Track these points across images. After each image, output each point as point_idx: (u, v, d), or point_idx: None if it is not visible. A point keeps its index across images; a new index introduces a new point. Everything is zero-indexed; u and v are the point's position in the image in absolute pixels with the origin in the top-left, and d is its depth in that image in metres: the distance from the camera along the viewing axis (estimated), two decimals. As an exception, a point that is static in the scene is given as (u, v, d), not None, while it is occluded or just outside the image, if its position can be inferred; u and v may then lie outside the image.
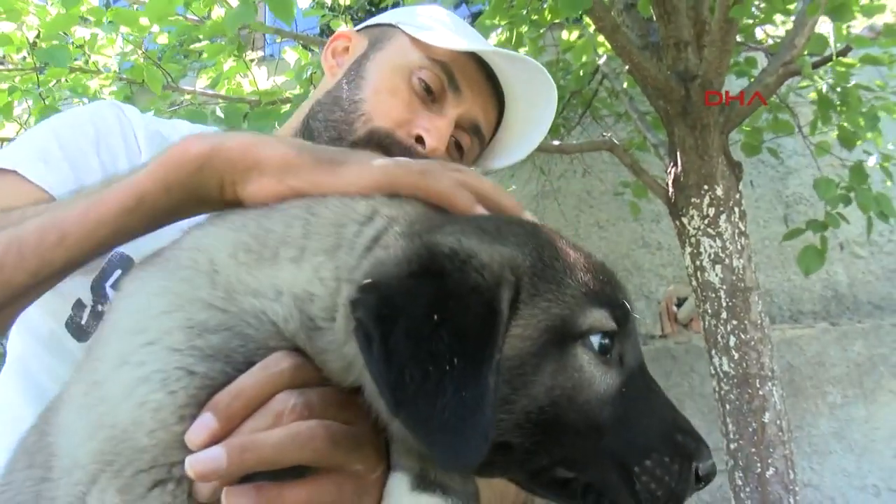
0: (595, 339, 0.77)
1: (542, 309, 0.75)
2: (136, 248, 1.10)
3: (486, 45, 1.51)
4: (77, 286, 1.19)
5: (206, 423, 0.71)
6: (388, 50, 1.43)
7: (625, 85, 4.11)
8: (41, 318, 1.22)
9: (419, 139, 1.37)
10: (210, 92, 3.33)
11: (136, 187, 0.90)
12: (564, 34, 4.00)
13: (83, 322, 1.22)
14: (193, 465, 0.69)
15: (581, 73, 4.26)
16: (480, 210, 0.85)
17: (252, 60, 3.51)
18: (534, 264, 0.77)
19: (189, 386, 0.73)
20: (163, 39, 3.15)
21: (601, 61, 4.15)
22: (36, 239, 0.92)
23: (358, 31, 1.54)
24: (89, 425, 0.75)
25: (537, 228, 0.84)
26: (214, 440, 0.71)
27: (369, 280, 0.73)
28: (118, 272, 1.21)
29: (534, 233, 0.82)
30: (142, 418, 0.72)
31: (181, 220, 0.94)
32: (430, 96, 1.39)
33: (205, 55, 3.22)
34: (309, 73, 2.91)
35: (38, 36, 3.31)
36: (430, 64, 1.39)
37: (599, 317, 0.77)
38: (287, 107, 3.16)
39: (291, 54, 3.91)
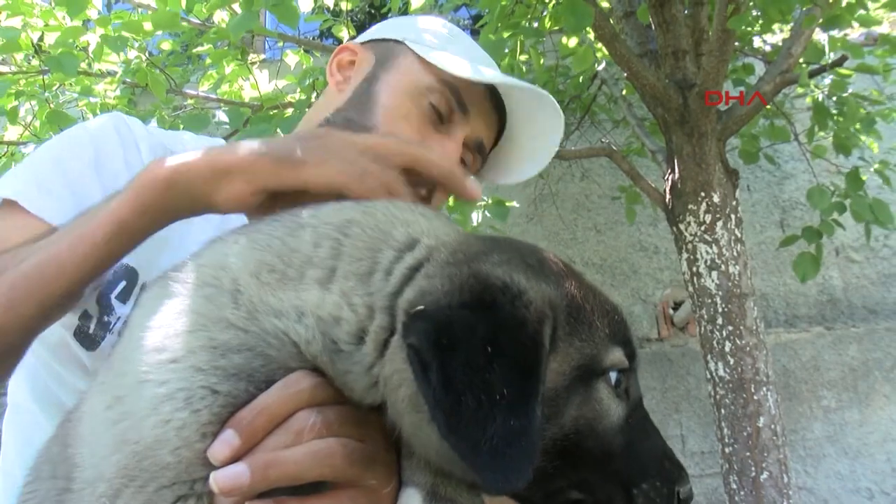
0: (612, 375, 0.84)
1: (577, 348, 0.81)
2: (137, 258, 1.18)
3: (493, 68, 1.51)
4: (84, 298, 1.22)
5: (228, 439, 0.74)
6: (397, 71, 1.43)
7: (623, 91, 4.14)
8: (51, 328, 1.25)
9: None
10: (213, 96, 3.35)
11: (115, 215, 0.98)
12: (564, 40, 4.03)
13: (91, 332, 1.26)
14: (218, 480, 0.72)
15: (580, 80, 4.29)
16: (474, 186, 0.95)
17: (253, 64, 3.53)
18: (570, 304, 0.82)
19: (213, 404, 0.76)
20: (166, 46, 3.18)
21: (600, 67, 4.18)
22: (38, 274, 0.99)
23: (363, 44, 1.52)
24: (113, 440, 0.78)
25: (570, 267, 0.89)
26: (236, 456, 0.74)
27: (421, 308, 0.76)
28: (122, 283, 1.26)
29: (568, 272, 0.87)
30: (166, 436, 0.75)
31: (160, 231, 1.03)
32: (439, 118, 1.40)
33: (208, 60, 3.24)
34: (311, 80, 2.92)
35: (41, 38, 3.33)
36: (439, 86, 1.39)
37: (618, 356, 0.84)
38: (290, 111, 3.19)
39: (292, 57, 3.94)
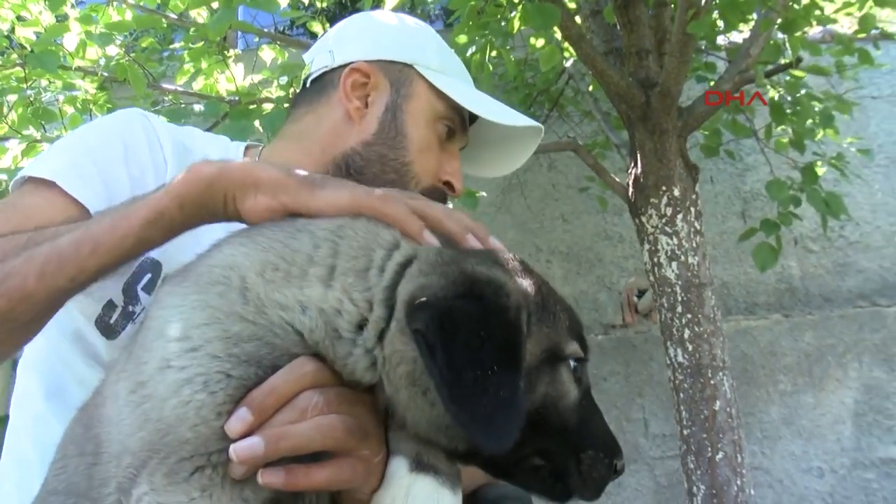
0: (572, 363, 1.00)
1: (545, 334, 0.97)
2: (163, 254, 1.27)
3: (496, 104, 1.60)
4: (109, 288, 1.32)
5: (243, 416, 0.87)
6: (416, 100, 1.52)
7: (590, 87, 4.28)
8: (68, 316, 1.33)
9: (448, 183, 1.54)
10: (191, 91, 3.42)
11: (157, 204, 1.08)
12: (532, 39, 4.15)
13: (112, 321, 1.35)
14: (237, 451, 0.86)
15: (548, 75, 4.42)
16: (429, 236, 1.01)
17: (229, 57, 3.60)
18: (537, 298, 0.98)
19: (227, 387, 0.89)
20: (145, 43, 3.24)
21: (568, 63, 4.31)
22: (73, 250, 1.08)
23: (370, 62, 1.54)
24: (137, 419, 0.90)
25: (531, 269, 1.05)
26: (250, 431, 0.87)
27: (424, 299, 0.90)
28: (148, 275, 1.34)
29: (531, 272, 1.03)
30: (186, 415, 0.87)
31: (192, 229, 1.12)
32: (447, 136, 1.54)
33: (185, 56, 3.31)
34: (290, 78, 3.01)
35: (12, 30, 3.37)
36: (449, 113, 1.53)
37: (577, 347, 1.01)
38: (269, 107, 3.28)
39: (268, 52, 4.02)
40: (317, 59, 1.61)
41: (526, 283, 0.97)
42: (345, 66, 1.54)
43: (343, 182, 1.10)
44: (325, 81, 1.58)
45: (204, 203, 1.08)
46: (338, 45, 1.60)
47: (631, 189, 3.81)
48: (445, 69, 1.57)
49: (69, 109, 3.34)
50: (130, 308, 1.35)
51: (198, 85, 3.53)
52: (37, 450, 1.36)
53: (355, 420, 0.94)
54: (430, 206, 1.08)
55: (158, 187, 1.13)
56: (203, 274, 0.99)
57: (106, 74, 3.23)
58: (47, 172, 1.31)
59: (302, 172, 1.09)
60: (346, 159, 1.50)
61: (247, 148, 1.62)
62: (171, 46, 3.40)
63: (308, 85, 1.61)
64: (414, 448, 0.98)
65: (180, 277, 1.01)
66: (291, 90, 3.14)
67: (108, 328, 1.36)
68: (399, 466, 0.97)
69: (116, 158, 1.38)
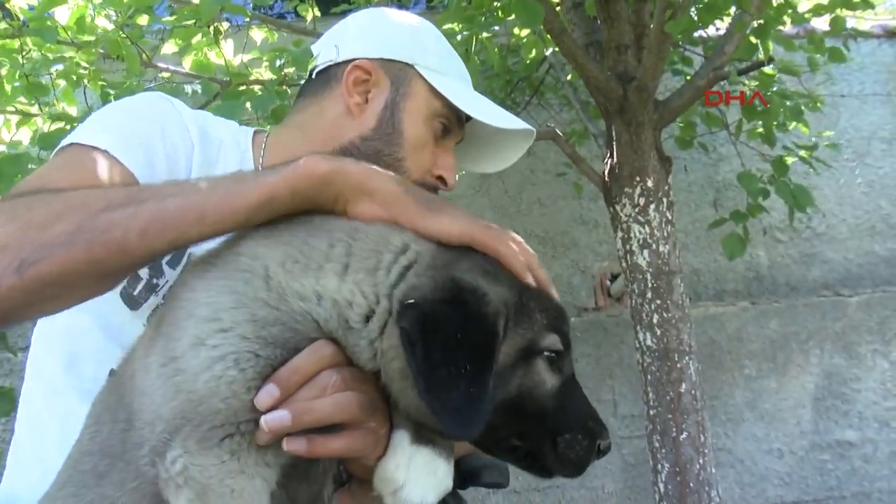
0: (549, 355, 1.11)
1: (520, 335, 1.09)
2: None
3: (491, 106, 1.69)
4: None
5: (271, 391, 1.00)
6: (414, 98, 1.60)
7: (569, 77, 4.38)
8: None
9: (440, 178, 1.64)
10: (182, 70, 3.49)
11: (271, 188, 1.11)
12: (516, 29, 4.25)
13: (135, 293, 1.43)
14: (268, 421, 0.99)
15: (529, 63, 4.52)
16: (530, 277, 1.12)
17: (220, 34, 3.63)
18: (517, 302, 1.09)
19: (256, 365, 1.02)
20: (143, 21, 3.28)
21: (548, 52, 4.41)
22: (178, 216, 1.10)
23: (372, 60, 1.62)
24: (170, 390, 1.02)
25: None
26: (276, 405, 1.00)
27: (412, 301, 1.02)
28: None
29: (516, 279, 1.14)
30: (218, 388, 1.00)
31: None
32: (444, 132, 1.63)
33: (177, 38, 3.37)
34: (282, 62, 3.07)
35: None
36: (447, 112, 1.61)
37: (553, 340, 1.12)
38: (256, 88, 3.35)
39: (258, 33, 4.08)
40: (323, 53, 1.70)
41: (508, 291, 1.09)
42: (349, 61, 1.63)
43: (456, 209, 1.15)
44: (329, 75, 1.66)
45: (314, 197, 1.13)
46: (343, 40, 1.68)
47: (606, 178, 3.94)
48: (445, 69, 1.65)
49: (61, 83, 3.36)
50: (154, 281, 1.43)
51: (187, 63, 3.57)
52: (53, 418, 1.44)
53: (366, 396, 1.07)
54: (528, 250, 1.17)
55: (266, 171, 1.19)
56: (230, 261, 1.11)
57: (102, 51, 3.27)
58: (96, 141, 1.36)
59: (418, 191, 1.17)
60: (344, 152, 1.58)
61: (255, 133, 1.70)
62: (165, 20, 3.43)
63: (314, 76, 1.71)
64: (414, 424, 1.12)
65: (207, 264, 1.13)
66: (283, 73, 3.20)
67: (131, 299, 1.44)
68: (402, 438, 1.12)
69: (155, 135, 1.44)
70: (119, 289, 1.40)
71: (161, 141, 1.45)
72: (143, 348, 1.11)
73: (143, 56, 3.33)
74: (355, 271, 1.08)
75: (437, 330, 1.00)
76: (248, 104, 2.86)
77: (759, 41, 3.64)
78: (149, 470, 1.03)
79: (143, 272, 1.42)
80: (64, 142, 1.40)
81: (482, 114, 1.63)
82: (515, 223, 5.29)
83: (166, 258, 1.40)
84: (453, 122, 1.65)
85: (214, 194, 1.12)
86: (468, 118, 1.67)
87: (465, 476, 1.62)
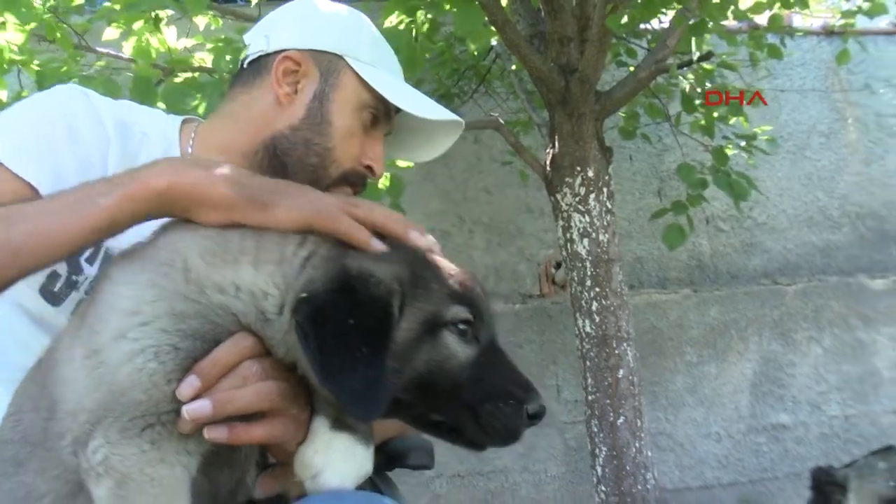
0: (459, 326, 1.12)
1: (419, 308, 1.10)
2: None
3: (420, 97, 1.72)
4: None
5: (192, 382, 1.04)
6: (343, 89, 1.62)
7: (514, 67, 4.42)
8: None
9: (369, 167, 1.66)
10: (123, 56, 3.44)
11: (109, 212, 1.16)
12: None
13: (56, 290, 1.44)
14: (189, 411, 1.03)
15: (475, 52, 4.55)
16: (376, 243, 1.14)
17: (162, 20, 3.59)
18: (411, 277, 1.11)
19: (176, 358, 1.05)
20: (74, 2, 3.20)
21: (495, 42, 4.44)
22: (28, 243, 1.16)
23: (302, 51, 1.63)
24: (92, 381, 1.05)
25: (414, 249, 1.18)
26: (198, 395, 1.04)
27: (304, 294, 1.05)
28: (90, 248, 1.41)
29: (409, 251, 1.17)
30: (139, 380, 1.03)
31: None
32: (372, 123, 1.65)
33: (118, 21, 3.31)
34: (230, 55, 3.05)
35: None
36: (376, 103, 1.63)
37: (458, 310, 1.13)
38: (199, 75, 3.33)
39: (201, 18, 4.03)
40: (254, 43, 1.71)
41: (402, 268, 1.11)
42: (279, 52, 1.64)
43: (295, 195, 1.19)
44: (260, 65, 1.67)
45: (153, 213, 1.19)
46: (274, 30, 1.70)
47: (548, 168, 4.00)
48: (375, 61, 1.67)
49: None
50: (74, 277, 1.44)
51: (128, 48, 3.52)
52: None
53: (286, 384, 1.11)
54: (373, 211, 1.20)
55: (118, 177, 1.22)
56: (151, 255, 1.14)
57: (37, 35, 3.21)
58: None
59: (254, 187, 1.18)
60: (274, 141, 1.61)
61: (183, 122, 1.70)
62: (106, 6, 3.36)
63: (246, 66, 1.71)
64: (333, 410, 1.15)
65: (129, 257, 1.16)
66: (226, 59, 3.17)
67: (52, 296, 1.45)
68: (321, 424, 1.15)
69: (61, 139, 1.44)
70: (38, 286, 1.43)
71: (68, 142, 1.45)
72: (68, 339, 1.13)
73: (80, 40, 3.27)
74: (265, 263, 1.11)
75: (328, 319, 1.03)
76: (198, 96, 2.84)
77: (694, 37, 3.71)
78: (70, 459, 1.06)
79: (62, 269, 1.43)
80: None
81: (410, 105, 1.65)
82: (462, 210, 5.32)
83: (84, 255, 1.43)
84: (382, 113, 1.67)
85: (60, 219, 1.18)
86: (398, 109, 1.69)
87: (391, 458, 1.65)
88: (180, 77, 3.34)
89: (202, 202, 1.16)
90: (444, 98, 4.64)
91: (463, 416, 1.13)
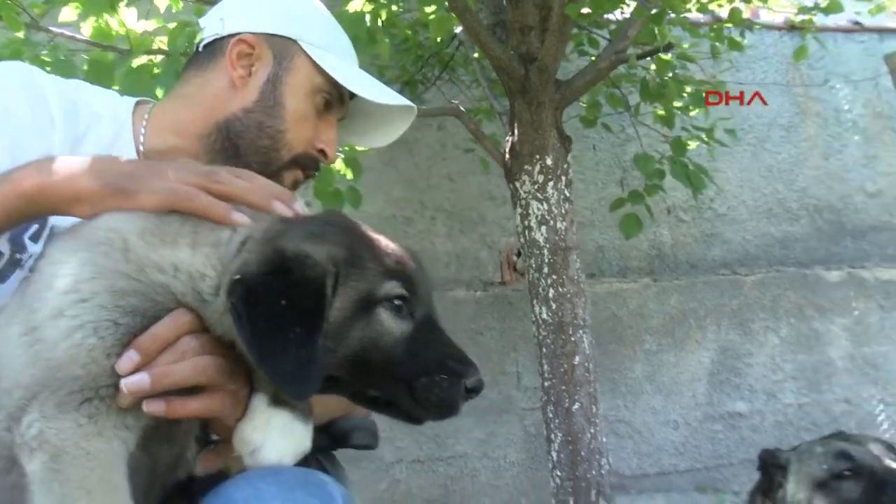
0: (392, 302, 1.14)
1: (352, 287, 1.12)
2: None
3: (373, 82, 1.75)
4: None
5: (131, 356, 1.06)
6: (296, 73, 1.65)
7: (476, 55, 4.44)
8: None
9: (322, 151, 1.68)
10: (79, 37, 3.38)
11: None
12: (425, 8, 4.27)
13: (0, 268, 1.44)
14: (128, 384, 1.04)
15: (439, 39, 4.55)
16: (237, 216, 1.17)
17: (121, 1, 3.54)
18: (347, 256, 1.13)
19: (115, 333, 1.07)
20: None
21: (458, 29, 4.45)
22: None
23: (256, 35, 1.66)
24: (29, 358, 1.06)
25: (349, 226, 1.20)
26: (136, 369, 1.05)
27: (238, 276, 1.07)
28: (35, 226, 1.43)
29: (346, 230, 1.19)
30: (77, 355, 1.04)
31: None
32: (326, 107, 1.68)
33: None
34: (186, 39, 3.01)
35: None
36: (329, 87, 1.66)
37: (392, 286, 1.14)
38: (159, 58, 3.29)
39: (162, 0, 3.99)
40: (209, 26, 1.73)
41: (336, 248, 1.13)
42: (234, 35, 1.66)
43: (153, 178, 1.20)
44: (215, 48, 1.69)
45: (30, 214, 1.24)
46: (229, 14, 1.72)
47: (507, 156, 4.03)
48: (329, 46, 1.70)
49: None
50: (17, 256, 1.45)
51: (87, 29, 3.47)
52: None
53: (224, 360, 1.13)
54: (233, 184, 1.22)
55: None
56: (89, 235, 1.15)
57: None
58: None
59: (116, 175, 1.21)
60: (227, 124, 1.64)
61: (137, 104, 1.71)
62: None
63: (201, 49, 1.73)
64: (271, 388, 1.17)
65: (68, 236, 1.18)
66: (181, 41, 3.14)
67: None
68: (260, 401, 1.17)
69: None
70: None
71: (3, 124, 1.45)
72: (5, 318, 1.14)
73: (31, 19, 3.22)
74: (202, 245, 1.13)
75: (260, 301, 1.06)
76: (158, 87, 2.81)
77: (654, 27, 3.76)
78: (4, 435, 1.07)
79: (5, 248, 1.44)
80: None
81: (363, 90, 1.68)
82: (424, 197, 5.32)
83: (28, 233, 1.44)
84: (336, 98, 1.69)
85: None
86: (353, 94, 1.71)
87: (335, 438, 1.68)
88: (141, 59, 3.29)
89: (71, 199, 1.19)
90: (407, 85, 4.65)
91: (398, 391, 1.15)
